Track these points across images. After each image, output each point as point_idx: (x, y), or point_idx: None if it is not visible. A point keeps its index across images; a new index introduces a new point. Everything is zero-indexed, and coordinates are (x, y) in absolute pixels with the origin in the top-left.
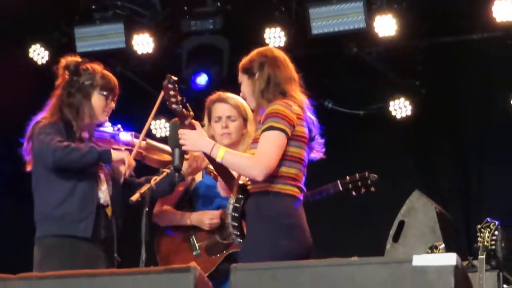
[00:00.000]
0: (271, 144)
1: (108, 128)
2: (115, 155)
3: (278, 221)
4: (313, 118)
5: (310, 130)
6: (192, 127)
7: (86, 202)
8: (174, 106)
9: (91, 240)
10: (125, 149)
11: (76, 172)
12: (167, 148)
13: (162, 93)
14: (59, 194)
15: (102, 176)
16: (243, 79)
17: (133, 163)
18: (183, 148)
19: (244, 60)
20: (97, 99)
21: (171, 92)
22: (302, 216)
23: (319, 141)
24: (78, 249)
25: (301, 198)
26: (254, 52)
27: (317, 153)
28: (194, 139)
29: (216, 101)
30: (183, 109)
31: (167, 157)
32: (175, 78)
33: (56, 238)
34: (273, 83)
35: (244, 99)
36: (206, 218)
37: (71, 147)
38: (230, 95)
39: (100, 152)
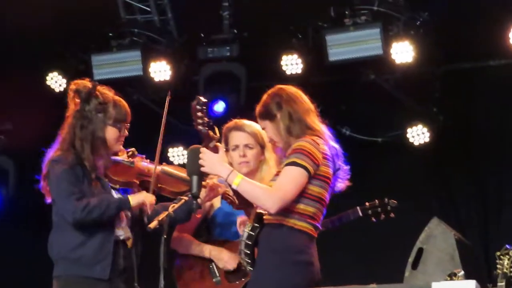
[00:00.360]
0: (291, 179)
1: (122, 155)
2: (134, 201)
3: (288, 256)
4: (337, 147)
5: (334, 162)
6: (216, 150)
7: (104, 244)
8: (200, 127)
9: (109, 278)
10: (141, 180)
11: None
12: (184, 174)
13: (165, 111)
14: (76, 237)
15: (120, 214)
16: (265, 125)
17: (153, 201)
18: (202, 169)
19: (259, 108)
20: (110, 131)
21: (199, 114)
22: (314, 253)
23: (344, 168)
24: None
25: (316, 236)
26: (265, 97)
27: (342, 182)
28: (213, 163)
29: (232, 129)
30: (209, 131)
31: (183, 187)
32: (205, 100)
33: (73, 278)
34: (295, 118)
35: (274, 143)
36: (225, 257)
37: (90, 206)
38: (247, 123)
39: (118, 205)
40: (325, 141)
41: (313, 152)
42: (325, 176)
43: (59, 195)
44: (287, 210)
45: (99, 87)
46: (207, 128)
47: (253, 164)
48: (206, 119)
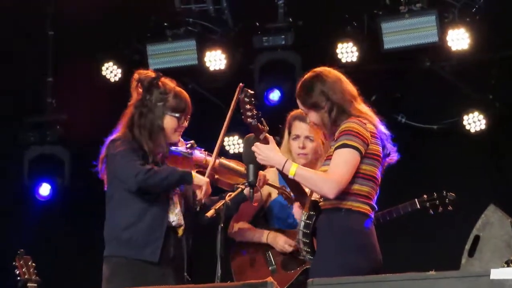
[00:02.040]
0: (344, 162)
1: (181, 147)
2: (197, 179)
3: (349, 238)
4: (386, 132)
5: (384, 146)
6: (266, 142)
7: (155, 227)
8: (249, 120)
9: (158, 264)
10: (197, 171)
11: (149, 196)
12: (240, 168)
13: (231, 108)
14: (129, 217)
15: (175, 198)
16: (308, 112)
17: (210, 191)
18: (257, 160)
19: (303, 97)
20: (169, 121)
21: (247, 106)
22: (373, 233)
23: (393, 150)
24: (145, 271)
25: (372, 216)
26: (307, 82)
27: (391, 159)
28: (268, 154)
29: (297, 118)
30: (258, 123)
31: (240, 180)
32: (252, 92)
33: (123, 259)
34: (341, 108)
35: (316, 128)
36: (281, 241)
37: (153, 170)
38: None
39: (181, 175)
40: (375, 126)
41: (361, 132)
42: (375, 154)
43: (120, 163)
44: (343, 192)
45: (162, 78)
46: (256, 120)
47: (311, 156)
48: (254, 111)
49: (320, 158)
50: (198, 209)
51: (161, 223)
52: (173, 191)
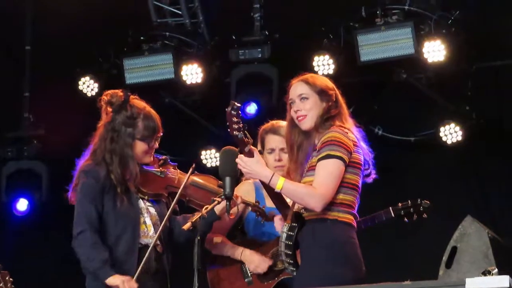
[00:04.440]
0: (329, 174)
1: (154, 165)
2: (111, 281)
3: (334, 249)
4: (365, 147)
5: (366, 162)
6: (251, 154)
7: (128, 255)
8: (235, 132)
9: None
10: (169, 192)
11: (119, 225)
12: (212, 186)
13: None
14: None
15: (148, 221)
16: (311, 95)
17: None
18: (245, 173)
19: (316, 78)
20: (139, 146)
21: (234, 119)
22: (357, 244)
23: (371, 166)
24: None
25: (355, 225)
26: (323, 77)
27: (370, 177)
28: (254, 167)
29: (269, 131)
30: (244, 136)
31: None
32: (238, 105)
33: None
34: (339, 118)
35: (302, 115)
36: (256, 261)
37: (86, 246)
38: (283, 126)
39: (96, 271)
40: (357, 138)
41: (344, 141)
42: (357, 163)
43: (77, 210)
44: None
45: (132, 98)
46: (242, 133)
47: (286, 166)
48: (241, 124)
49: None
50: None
51: (133, 251)
52: (146, 213)
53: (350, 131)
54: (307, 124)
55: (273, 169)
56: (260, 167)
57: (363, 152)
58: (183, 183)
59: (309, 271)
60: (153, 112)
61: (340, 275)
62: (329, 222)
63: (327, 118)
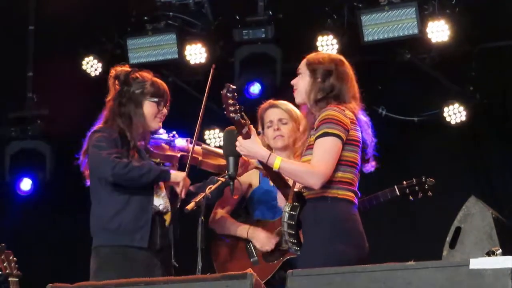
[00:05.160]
0: (327, 151)
1: (163, 135)
2: (173, 176)
3: (336, 226)
4: (370, 134)
5: (365, 141)
6: (249, 136)
7: (142, 212)
8: (232, 114)
9: (147, 249)
10: (181, 155)
11: None
12: (222, 151)
13: (206, 94)
14: (114, 205)
15: (160, 183)
16: (304, 72)
17: (188, 184)
18: (242, 154)
19: (315, 57)
20: (148, 107)
21: (230, 101)
22: (359, 220)
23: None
24: (134, 258)
25: (357, 202)
26: (326, 55)
27: (371, 166)
28: (251, 148)
29: (267, 108)
30: (241, 118)
31: (224, 161)
32: (234, 87)
33: (112, 248)
34: (333, 95)
35: (294, 89)
36: (263, 238)
37: (130, 165)
38: (281, 101)
39: (158, 174)
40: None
41: (341, 119)
42: (355, 140)
43: (99, 157)
44: (327, 181)
45: (138, 71)
46: (239, 115)
47: (287, 138)
48: (237, 106)
49: (298, 140)
50: (178, 205)
51: (147, 208)
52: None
53: (348, 109)
54: (297, 98)
55: (273, 140)
56: (257, 147)
57: (363, 131)
58: (193, 142)
59: (312, 249)
60: (160, 80)
61: (343, 252)
62: (329, 200)
63: (323, 97)
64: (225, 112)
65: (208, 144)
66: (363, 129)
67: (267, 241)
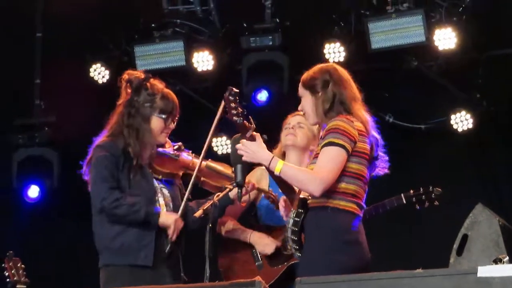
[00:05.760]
0: (330, 160)
1: (169, 148)
2: (162, 220)
3: (336, 237)
4: (378, 137)
5: (372, 149)
6: (253, 140)
7: (145, 231)
8: (235, 118)
9: (153, 268)
10: (183, 173)
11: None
12: (227, 171)
13: (220, 110)
14: (116, 226)
15: (161, 200)
16: (304, 94)
17: (180, 226)
18: (243, 158)
19: (307, 75)
20: (156, 122)
21: (232, 104)
22: (361, 232)
23: (383, 159)
24: (142, 274)
25: (361, 214)
26: (316, 68)
27: (382, 170)
28: (254, 151)
29: (292, 115)
30: (244, 121)
31: (226, 183)
32: (236, 90)
33: (118, 267)
34: (338, 102)
35: (303, 114)
36: (263, 242)
37: (120, 201)
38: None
39: (146, 216)
40: (365, 127)
41: (348, 130)
42: (362, 152)
43: (94, 179)
44: (329, 191)
45: (151, 79)
46: (242, 119)
47: (300, 140)
48: (240, 109)
49: (311, 146)
50: (167, 250)
51: (150, 228)
52: (159, 193)
53: (357, 120)
54: (309, 120)
55: (284, 138)
56: (260, 151)
57: (372, 142)
58: (199, 162)
59: (309, 259)
60: (171, 93)
61: (342, 263)
62: (329, 210)
63: (329, 106)
64: (227, 115)
65: (216, 152)
66: (372, 141)
67: (268, 244)
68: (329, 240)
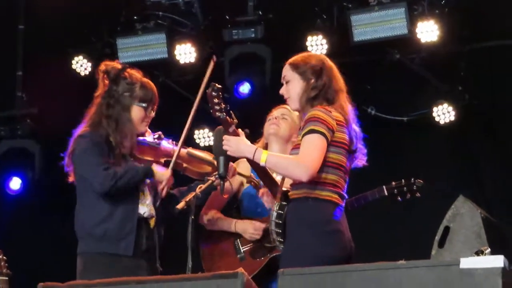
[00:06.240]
0: (313, 146)
1: (149, 137)
2: (159, 175)
3: (317, 227)
4: (357, 129)
5: (352, 141)
6: (236, 135)
7: (127, 220)
8: (218, 113)
9: (132, 256)
10: (165, 160)
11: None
12: (208, 157)
13: (198, 99)
14: (100, 212)
15: (145, 189)
16: (293, 78)
17: (171, 183)
18: (228, 153)
19: (298, 59)
20: (136, 111)
21: (215, 100)
22: (342, 222)
23: (362, 151)
24: (119, 263)
25: (342, 204)
26: (309, 55)
27: (360, 161)
28: (237, 145)
29: (276, 108)
30: (227, 117)
31: (208, 168)
32: (219, 86)
33: (97, 254)
34: (324, 91)
35: (286, 97)
36: (250, 228)
37: (117, 174)
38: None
39: (144, 172)
40: (344, 117)
41: (326, 119)
42: (341, 142)
43: (86, 167)
44: (309, 182)
45: (128, 69)
46: (225, 114)
47: (282, 130)
48: (223, 104)
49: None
50: (158, 203)
51: (132, 216)
52: (143, 183)
53: (336, 110)
54: (291, 105)
55: (267, 128)
56: (243, 144)
57: (350, 133)
58: (178, 148)
59: (293, 250)
60: (150, 81)
61: (324, 254)
62: (310, 201)
63: (312, 97)
64: (211, 111)
65: (198, 144)
66: (352, 134)
67: (256, 230)
68: (310, 231)
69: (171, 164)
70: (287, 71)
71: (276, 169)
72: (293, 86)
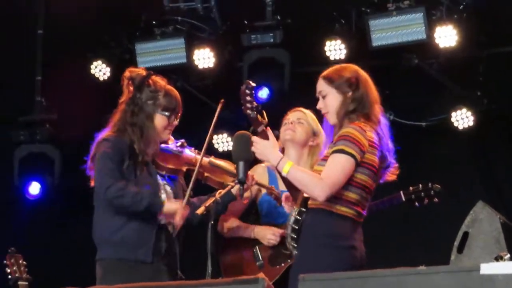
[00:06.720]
0: (338, 167)
1: (171, 144)
2: (167, 208)
3: (328, 241)
4: (390, 145)
5: (383, 158)
6: (265, 134)
7: (146, 227)
8: (249, 111)
9: (152, 263)
10: (187, 169)
11: None
12: (229, 167)
13: (219, 107)
14: (118, 219)
15: (164, 197)
16: (330, 92)
17: (186, 214)
18: (256, 154)
19: (332, 72)
20: (159, 119)
21: (248, 98)
22: (356, 238)
23: (394, 165)
24: (138, 269)
25: (359, 222)
26: (341, 67)
27: (391, 176)
28: (264, 148)
29: (292, 111)
30: (258, 115)
31: (229, 179)
32: (253, 84)
33: (115, 261)
34: (362, 105)
35: (324, 112)
36: (268, 234)
37: (125, 190)
38: (307, 111)
39: (148, 205)
40: (378, 135)
41: (360, 139)
42: (370, 164)
43: (100, 170)
44: (331, 196)
45: (153, 76)
46: (255, 113)
47: (298, 136)
48: (255, 103)
49: (315, 150)
50: (174, 235)
51: (151, 224)
52: (162, 190)
53: (372, 128)
54: (330, 120)
55: (283, 133)
56: (271, 150)
57: (382, 151)
58: (200, 158)
59: (304, 259)
60: (174, 89)
61: (332, 268)
62: (328, 214)
63: (349, 111)
64: (242, 108)
65: (216, 149)
66: (384, 149)
67: (273, 236)
68: (321, 243)
69: (194, 175)
70: (322, 86)
71: (295, 183)
72: (330, 100)
